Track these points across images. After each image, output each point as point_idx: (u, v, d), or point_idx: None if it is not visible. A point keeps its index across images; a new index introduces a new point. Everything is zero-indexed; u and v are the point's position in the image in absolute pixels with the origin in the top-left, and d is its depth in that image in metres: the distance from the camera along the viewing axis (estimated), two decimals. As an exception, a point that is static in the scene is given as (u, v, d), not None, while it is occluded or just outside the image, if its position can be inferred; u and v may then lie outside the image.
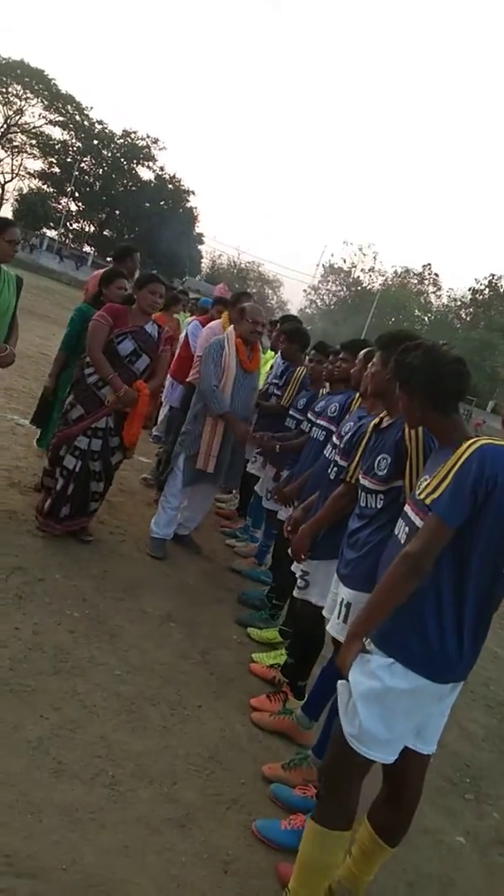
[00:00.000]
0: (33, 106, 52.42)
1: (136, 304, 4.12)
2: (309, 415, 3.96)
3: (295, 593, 3.28)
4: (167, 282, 4.40)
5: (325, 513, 2.98)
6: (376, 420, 2.67)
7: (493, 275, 60.00)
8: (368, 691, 1.92)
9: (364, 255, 64.73)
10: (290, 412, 4.47)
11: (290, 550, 3.22)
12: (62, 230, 55.76)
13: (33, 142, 53.69)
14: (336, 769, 2.06)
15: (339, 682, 2.05)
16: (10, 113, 52.48)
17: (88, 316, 4.20)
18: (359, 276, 65.33)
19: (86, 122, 54.10)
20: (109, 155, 55.85)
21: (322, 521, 3.00)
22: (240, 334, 4.46)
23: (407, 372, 2.12)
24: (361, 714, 1.92)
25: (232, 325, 4.56)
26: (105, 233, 58.22)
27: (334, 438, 3.17)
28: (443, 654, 1.88)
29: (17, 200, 52.94)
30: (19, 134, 53.48)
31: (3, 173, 54.24)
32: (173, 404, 5.62)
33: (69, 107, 52.93)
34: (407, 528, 2.06)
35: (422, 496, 1.87)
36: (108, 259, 50.84)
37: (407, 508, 2.12)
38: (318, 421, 3.69)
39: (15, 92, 51.20)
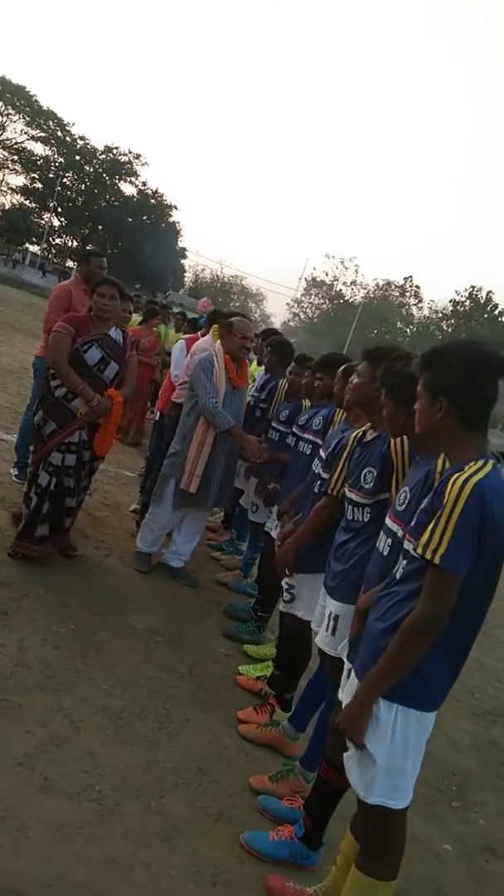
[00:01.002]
0: (15, 122, 52.60)
1: (93, 311, 3.97)
2: (294, 428, 4.00)
3: (280, 607, 3.31)
4: (145, 294, 4.36)
5: (307, 526, 3.00)
6: (359, 433, 2.70)
7: (473, 286, 60.75)
8: (388, 755, 1.85)
9: (346, 268, 65.29)
10: (273, 424, 4.50)
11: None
12: (45, 245, 55.77)
13: (15, 158, 53.75)
14: (375, 829, 1.97)
15: (346, 755, 1.98)
16: (-8, 129, 52.60)
17: None
18: (341, 290, 65.85)
19: (68, 138, 54.28)
20: (92, 170, 56.04)
21: (305, 535, 3.01)
22: (228, 350, 4.34)
23: (394, 378, 2.15)
24: (387, 778, 1.86)
25: (219, 341, 4.44)
26: (88, 248, 58.24)
27: (321, 452, 3.20)
28: (437, 684, 1.86)
29: (-1, 216, 52.93)
30: (1, 150, 53.54)
31: (-16, 189, 54.24)
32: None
33: (51, 123, 53.09)
34: (389, 541, 2.09)
35: (424, 553, 1.73)
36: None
37: (388, 521, 2.14)
38: (304, 435, 3.73)
39: (-4, 108, 51.34)
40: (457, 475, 1.74)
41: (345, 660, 2.28)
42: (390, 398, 2.19)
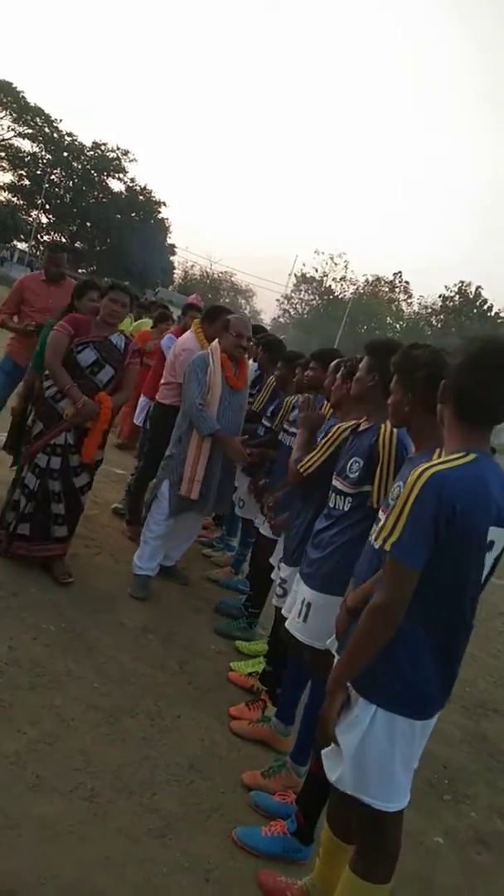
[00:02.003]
0: (1, 119, 52.18)
1: (99, 315, 3.90)
2: (284, 424, 3.99)
3: (273, 601, 3.32)
4: (147, 295, 4.31)
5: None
6: (353, 423, 2.70)
7: (462, 282, 60.88)
8: (364, 753, 1.83)
9: (335, 264, 65.18)
10: (263, 421, 4.51)
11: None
12: (33, 242, 55.36)
13: (2, 154, 53.35)
14: (371, 830, 1.96)
15: (325, 750, 1.97)
16: (-22, 126, 52.20)
17: None
18: (330, 285, 65.75)
19: (55, 135, 53.92)
20: (80, 167, 55.71)
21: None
22: (224, 349, 4.14)
23: (411, 364, 2.11)
24: (371, 778, 1.85)
25: (217, 340, 4.23)
26: (76, 245, 58.03)
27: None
28: (423, 690, 1.82)
29: (-14, 213, 52.49)
30: (-12, 146, 53.17)
31: (-29, 186, 53.85)
32: (138, 422, 5.48)
33: (38, 119, 52.70)
34: None
35: (377, 540, 1.76)
36: (80, 271, 50.93)
37: (381, 515, 2.15)
38: (291, 429, 3.74)
39: (-17, 105, 50.93)
40: (421, 464, 1.73)
41: (335, 654, 2.29)
42: (401, 384, 2.13)
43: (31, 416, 3.90)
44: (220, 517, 6.00)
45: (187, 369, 4.14)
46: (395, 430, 2.40)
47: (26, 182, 54.12)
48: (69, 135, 54.68)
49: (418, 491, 1.67)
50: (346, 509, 2.50)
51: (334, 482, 2.58)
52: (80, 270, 49.80)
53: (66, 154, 54.67)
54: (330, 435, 2.78)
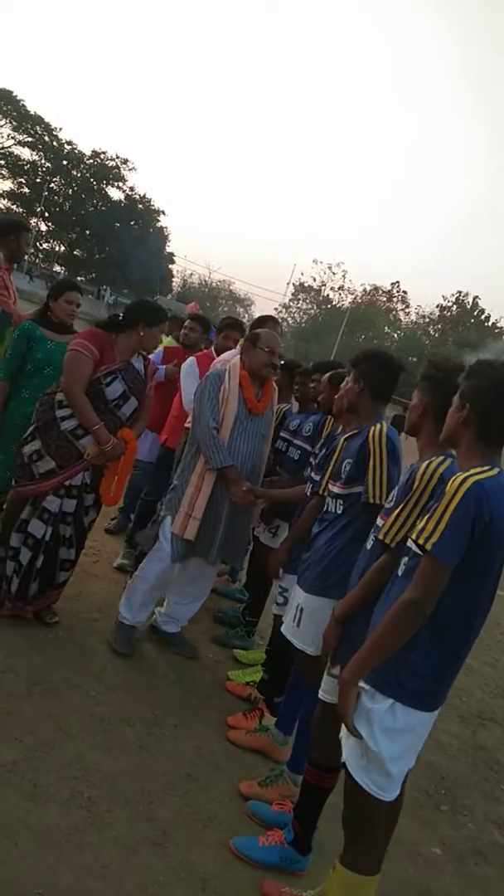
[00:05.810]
0: (1, 127, 52.46)
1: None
2: (283, 433, 4.00)
3: (273, 609, 3.33)
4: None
5: (298, 528, 3.03)
6: (349, 434, 2.74)
7: (459, 292, 61.23)
8: (377, 745, 1.87)
9: (334, 273, 65.47)
10: None
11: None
12: (32, 250, 55.54)
13: (2, 162, 53.61)
14: (361, 819, 1.99)
15: (347, 739, 1.99)
16: (-22, 134, 52.44)
17: (35, 335, 3.57)
18: (329, 295, 66.02)
19: (55, 143, 54.22)
20: (79, 175, 56.01)
21: (298, 535, 3.04)
22: (248, 366, 3.48)
23: (433, 371, 2.20)
24: (378, 768, 1.89)
25: (239, 356, 3.58)
26: (75, 252, 58.25)
27: (312, 459, 3.23)
28: (435, 684, 1.88)
29: (-15, 221, 52.54)
30: (-12, 154, 53.39)
31: (-29, 194, 54.04)
32: (144, 458, 4.79)
33: (38, 127, 53.00)
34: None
35: (418, 539, 1.77)
36: (79, 278, 51.00)
37: (380, 521, 2.18)
38: (295, 441, 3.75)
39: (-17, 114, 51.20)
40: (459, 474, 1.80)
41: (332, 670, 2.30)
42: (420, 390, 2.22)
43: (30, 444, 3.28)
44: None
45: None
46: (383, 428, 2.49)
47: (26, 190, 54.41)
48: (69, 143, 55.07)
49: (461, 496, 1.73)
50: (338, 512, 2.56)
51: (330, 487, 2.64)
52: (79, 278, 49.87)
53: (65, 162, 54.97)
54: (335, 451, 2.81)
